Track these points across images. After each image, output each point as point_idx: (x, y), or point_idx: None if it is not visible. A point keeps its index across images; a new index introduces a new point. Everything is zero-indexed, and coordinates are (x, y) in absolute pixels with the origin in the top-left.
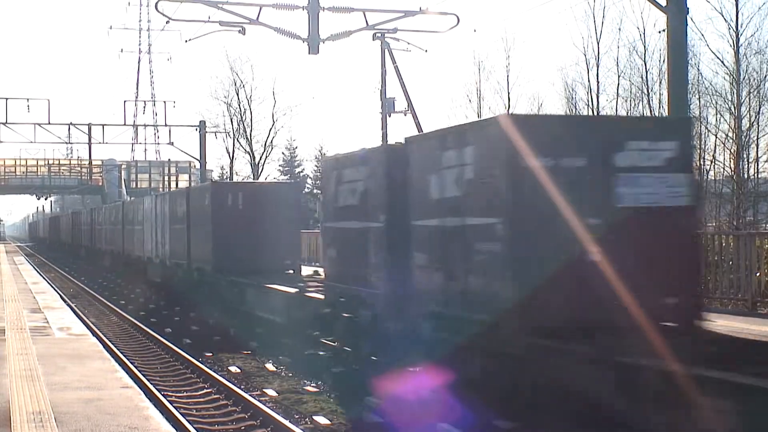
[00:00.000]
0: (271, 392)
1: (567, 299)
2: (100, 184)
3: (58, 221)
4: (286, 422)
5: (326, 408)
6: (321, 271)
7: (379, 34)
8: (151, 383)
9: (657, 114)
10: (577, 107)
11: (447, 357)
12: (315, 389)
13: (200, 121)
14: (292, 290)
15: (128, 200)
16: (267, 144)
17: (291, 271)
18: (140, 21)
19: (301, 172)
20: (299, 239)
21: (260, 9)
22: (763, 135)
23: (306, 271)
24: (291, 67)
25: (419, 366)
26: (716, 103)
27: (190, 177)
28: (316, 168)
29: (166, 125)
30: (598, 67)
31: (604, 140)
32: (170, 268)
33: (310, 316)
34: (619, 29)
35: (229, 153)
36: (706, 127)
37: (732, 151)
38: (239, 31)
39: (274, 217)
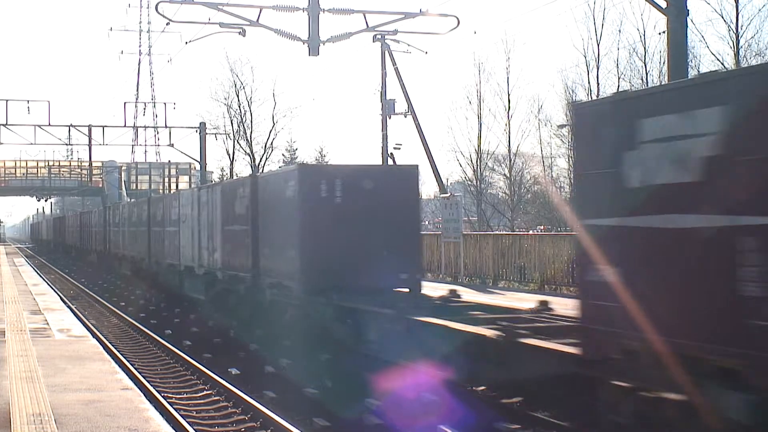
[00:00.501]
0: (270, 394)
1: None
2: (101, 185)
3: (63, 222)
4: (287, 424)
5: (326, 409)
6: (461, 291)
7: (380, 36)
8: (151, 385)
9: None
10: None
11: None
12: (315, 390)
13: (200, 123)
14: (489, 333)
15: (154, 196)
16: (267, 146)
17: (406, 290)
18: (140, 23)
19: None
20: (419, 244)
21: (260, 11)
22: None
23: (426, 288)
24: (291, 68)
25: None
26: None
27: (190, 178)
28: None
29: (166, 127)
30: (598, 68)
31: None
32: (223, 282)
33: (530, 378)
34: (619, 31)
35: (229, 155)
36: None
37: None
38: (239, 33)
39: (386, 212)
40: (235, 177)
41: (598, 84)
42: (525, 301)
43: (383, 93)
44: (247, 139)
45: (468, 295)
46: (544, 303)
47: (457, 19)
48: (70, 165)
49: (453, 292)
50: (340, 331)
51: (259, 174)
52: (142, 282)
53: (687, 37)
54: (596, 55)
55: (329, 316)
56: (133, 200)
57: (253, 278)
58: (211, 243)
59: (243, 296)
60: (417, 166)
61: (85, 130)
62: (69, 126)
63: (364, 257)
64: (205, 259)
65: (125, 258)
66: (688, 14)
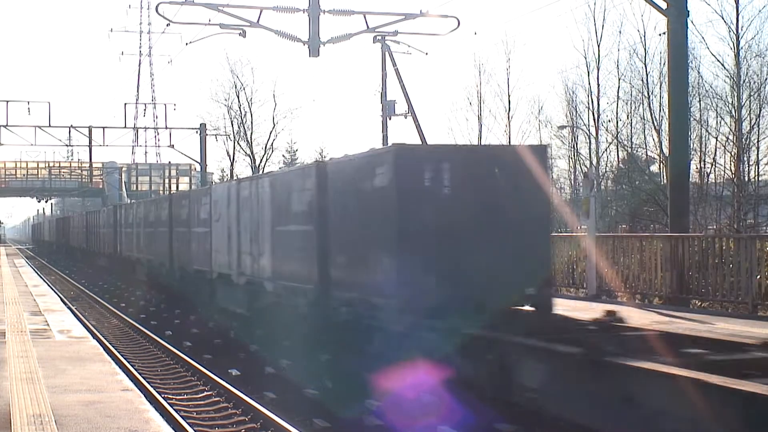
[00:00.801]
0: (271, 394)
1: None
2: (101, 186)
3: (67, 223)
4: (287, 425)
5: (326, 410)
6: (626, 313)
7: (380, 37)
8: (152, 386)
9: (656, 117)
10: (578, 110)
11: None
12: (315, 391)
13: (201, 124)
14: None
15: (178, 192)
16: (267, 146)
17: (532, 309)
18: (141, 24)
19: None
20: (549, 248)
21: (261, 12)
22: (764, 138)
23: (561, 307)
24: (291, 69)
25: None
26: (717, 105)
27: (190, 179)
28: None
29: (166, 128)
30: (598, 69)
31: None
32: (274, 294)
33: None
34: (620, 32)
35: (229, 155)
36: (707, 130)
37: (732, 153)
38: (240, 34)
39: (508, 207)
40: (237, 176)
41: (598, 85)
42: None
43: (383, 94)
44: (247, 140)
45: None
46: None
47: (458, 20)
48: (70, 166)
49: (611, 314)
50: (473, 372)
51: (329, 159)
52: (161, 289)
53: (687, 38)
54: (597, 56)
55: (451, 349)
56: (150, 198)
57: (319, 291)
58: (255, 247)
59: (304, 314)
60: (547, 146)
61: (86, 131)
62: (69, 127)
63: (480, 266)
64: (247, 266)
65: (140, 262)
66: (688, 15)
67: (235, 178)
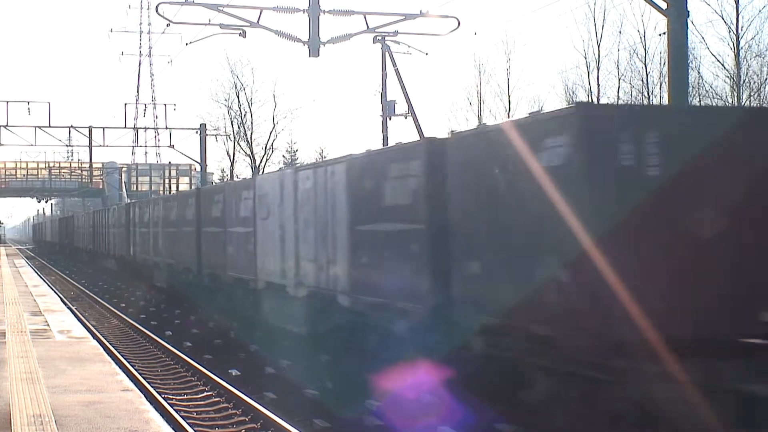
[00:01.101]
0: (271, 395)
1: None
2: (101, 186)
3: (71, 222)
4: (287, 425)
5: (326, 410)
6: None
7: (380, 37)
8: (152, 386)
9: None
10: None
11: None
12: (315, 391)
13: (201, 124)
14: None
15: (208, 186)
16: (267, 147)
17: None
18: (141, 24)
19: None
20: None
21: (261, 12)
22: None
23: None
24: (292, 70)
25: None
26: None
27: (190, 180)
28: None
29: (166, 128)
30: (598, 70)
31: None
32: (354, 313)
33: None
34: (620, 32)
35: (229, 156)
36: None
37: None
38: (240, 34)
39: (750, 195)
40: (235, 178)
41: (598, 85)
42: None
43: (383, 94)
44: (247, 141)
45: None
46: None
47: (458, 20)
48: (70, 166)
49: None
50: None
51: (449, 134)
52: (187, 299)
53: (687, 38)
54: (596, 57)
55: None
56: (172, 193)
57: (433, 312)
58: (323, 251)
59: (407, 341)
60: None
61: (86, 131)
62: (69, 127)
63: (703, 281)
64: (310, 275)
65: (158, 266)
66: (688, 15)
67: (286, 167)
